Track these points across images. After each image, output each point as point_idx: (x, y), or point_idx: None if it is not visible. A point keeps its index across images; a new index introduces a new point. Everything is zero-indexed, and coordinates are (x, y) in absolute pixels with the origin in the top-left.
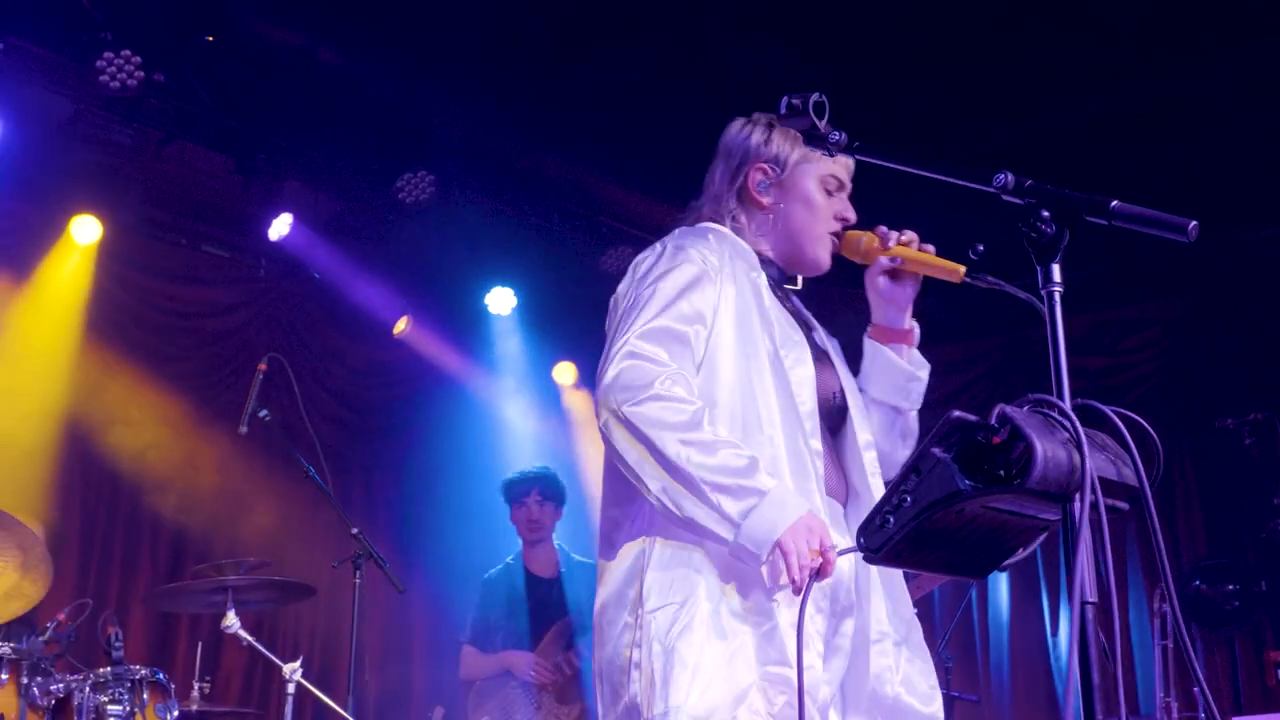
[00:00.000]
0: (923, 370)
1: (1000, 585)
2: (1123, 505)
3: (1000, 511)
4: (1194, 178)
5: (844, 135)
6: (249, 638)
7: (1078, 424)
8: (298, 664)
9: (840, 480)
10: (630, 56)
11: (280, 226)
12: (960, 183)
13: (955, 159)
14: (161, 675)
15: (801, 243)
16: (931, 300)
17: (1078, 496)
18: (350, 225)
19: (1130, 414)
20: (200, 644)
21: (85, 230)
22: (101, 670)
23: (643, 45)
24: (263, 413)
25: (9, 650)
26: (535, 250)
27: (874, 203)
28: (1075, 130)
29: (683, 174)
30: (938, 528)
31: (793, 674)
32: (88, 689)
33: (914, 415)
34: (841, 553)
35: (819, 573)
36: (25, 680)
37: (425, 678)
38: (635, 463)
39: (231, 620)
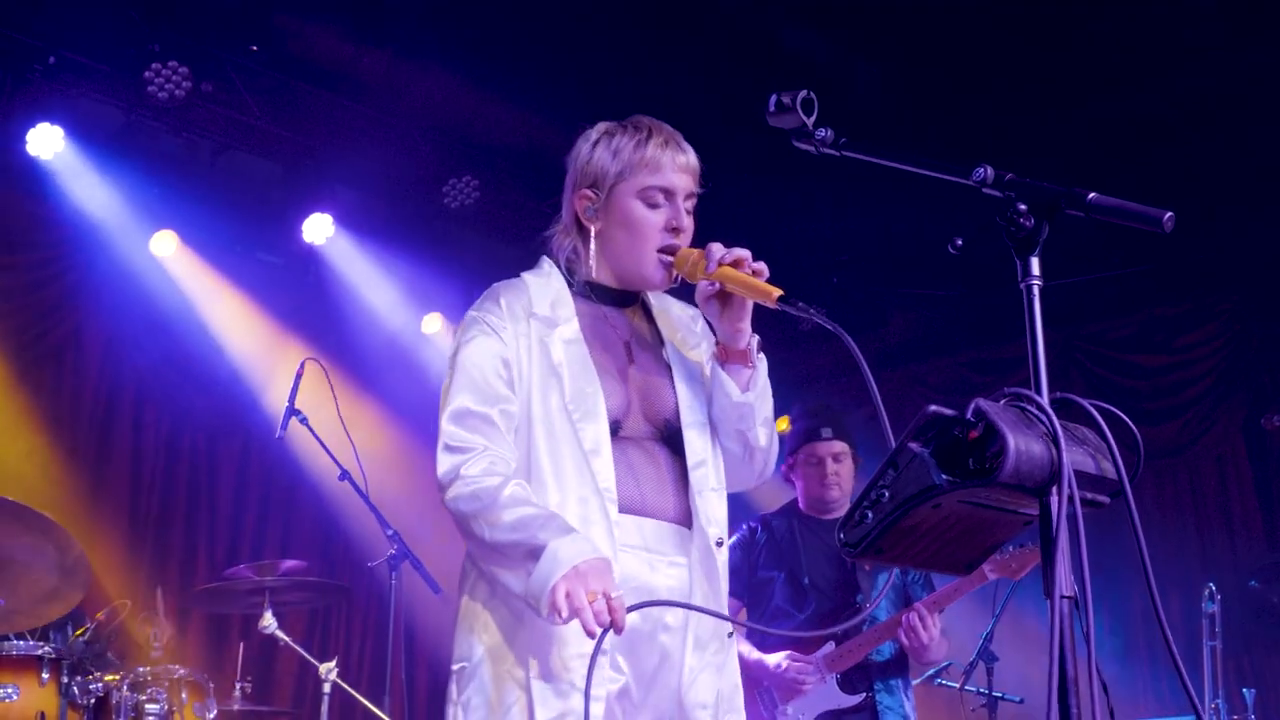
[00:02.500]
0: (749, 391)
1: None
2: (1103, 499)
3: (979, 506)
4: (1256, 167)
5: (830, 132)
6: (286, 638)
7: (1054, 417)
8: (333, 664)
9: (683, 499)
10: (683, 55)
11: (318, 229)
12: (940, 176)
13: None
14: (199, 675)
15: (627, 265)
16: (991, 304)
17: (1054, 490)
18: (397, 230)
19: (1109, 407)
20: (243, 644)
21: (162, 245)
22: (140, 670)
23: (698, 45)
24: (300, 415)
25: (49, 650)
26: None
27: None
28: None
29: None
30: (916, 522)
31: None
32: (126, 688)
33: (757, 434)
34: (634, 607)
35: (612, 625)
36: (65, 680)
37: None
38: (465, 539)
39: (269, 621)
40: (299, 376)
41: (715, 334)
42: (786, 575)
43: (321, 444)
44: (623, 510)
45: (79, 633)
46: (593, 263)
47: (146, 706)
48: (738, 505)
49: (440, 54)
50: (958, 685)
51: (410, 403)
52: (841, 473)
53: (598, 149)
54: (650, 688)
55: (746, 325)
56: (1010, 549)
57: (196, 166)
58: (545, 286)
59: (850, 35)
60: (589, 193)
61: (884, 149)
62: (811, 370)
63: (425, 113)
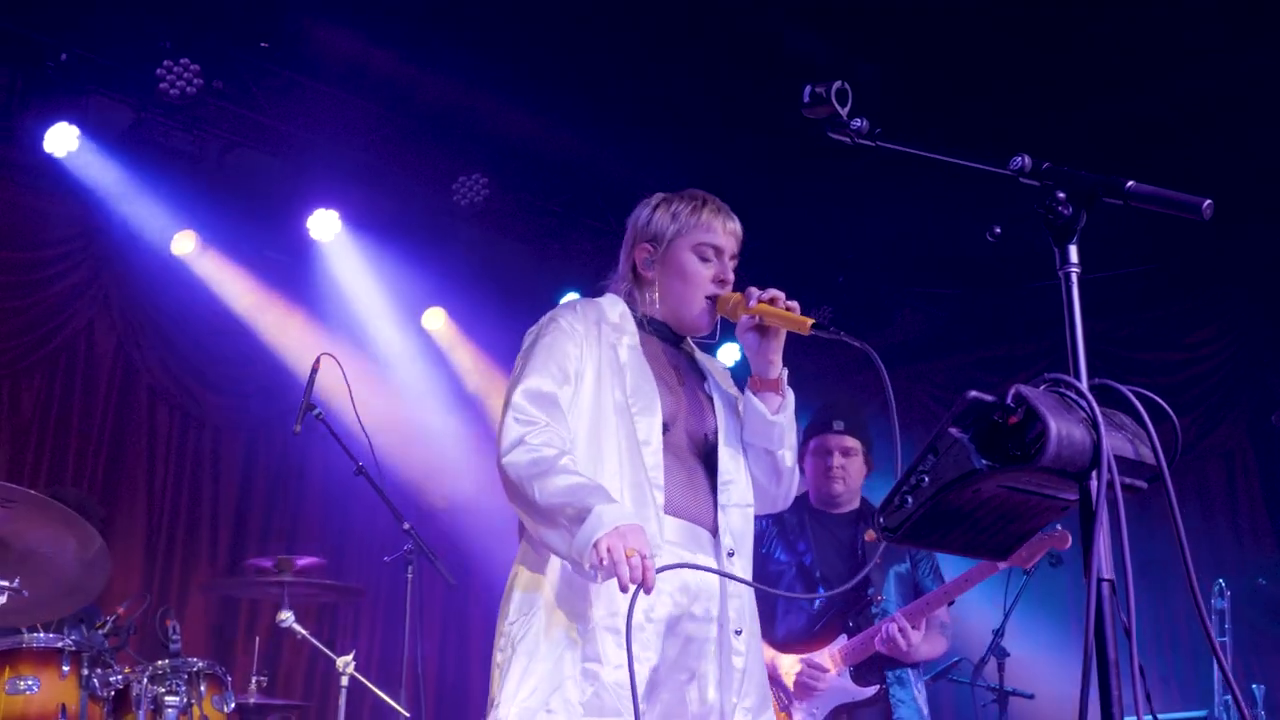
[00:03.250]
0: (780, 414)
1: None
2: (1141, 484)
3: (1018, 491)
4: (1256, 169)
5: (865, 123)
6: (303, 631)
7: (1093, 402)
8: (350, 657)
9: (710, 509)
10: (690, 57)
11: (324, 225)
12: (978, 166)
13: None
14: (218, 668)
15: (680, 310)
16: (1000, 301)
17: (1094, 475)
18: (406, 227)
19: (1148, 394)
20: (258, 639)
21: (183, 244)
22: (159, 662)
23: (703, 46)
24: (316, 410)
25: (70, 643)
26: (588, 253)
27: None
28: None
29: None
30: (955, 507)
31: (603, 669)
32: (146, 680)
33: (784, 455)
34: (665, 568)
35: (643, 583)
36: (86, 672)
37: (483, 673)
38: (512, 501)
39: (286, 615)
40: (314, 372)
41: (750, 367)
42: (797, 567)
43: (337, 439)
44: (667, 510)
45: (99, 626)
46: (650, 304)
47: (166, 699)
48: None
49: (449, 53)
50: (969, 681)
51: (420, 398)
52: (849, 468)
53: (658, 211)
54: (671, 671)
55: (778, 356)
56: None
57: (205, 163)
58: (614, 305)
59: (850, 37)
60: (648, 246)
61: (919, 140)
62: (821, 368)
63: (435, 111)
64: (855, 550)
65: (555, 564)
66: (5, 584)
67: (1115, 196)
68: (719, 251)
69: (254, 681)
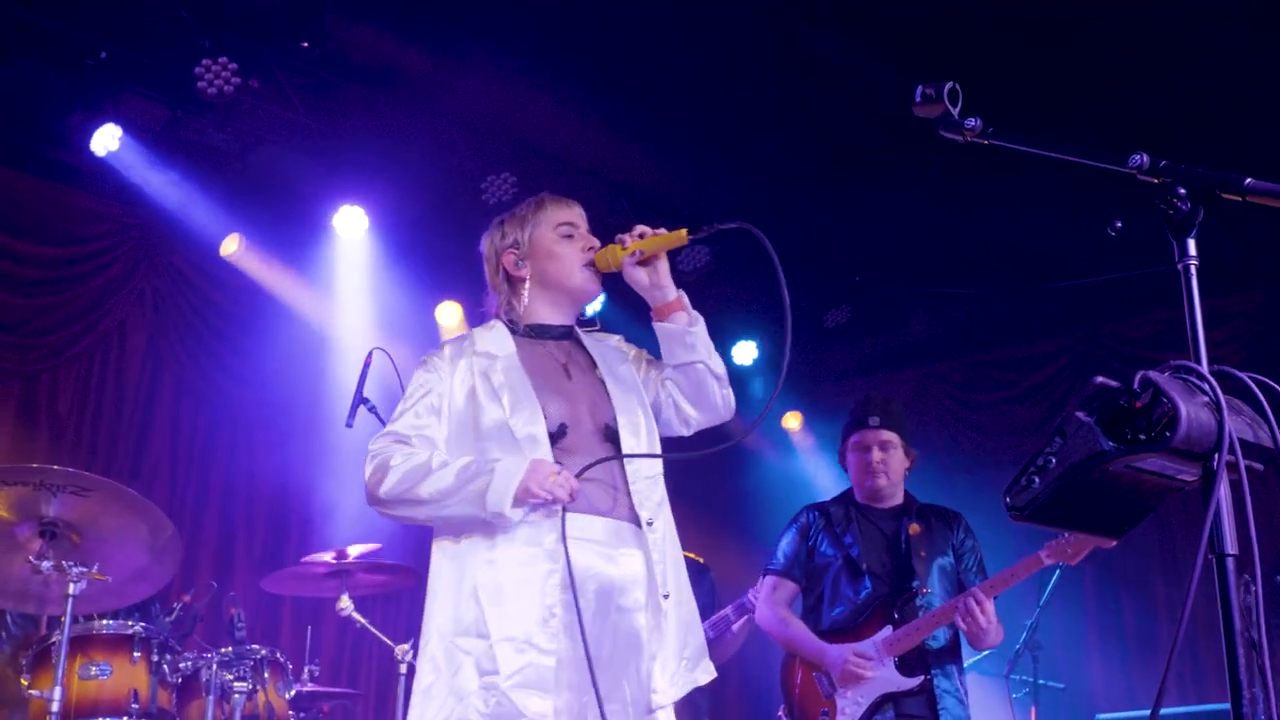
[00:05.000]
0: (695, 324)
1: (1081, 572)
2: (1258, 466)
3: (1141, 472)
4: (1256, 169)
5: (979, 121)
6: (363, 620)
7: (1216, 387)
8: (409, 645)
9: (625, 495)
10: (712, 62)
11: (350, 222)
12: (1096, 164)
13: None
14: (281, 655)
15: (563, 283)
16: (1016, 301)
17: (1216, 456)
18: (434, 225)
19: (1266, 380)
20: (310, 627)
21: (229, 246)
22: (224, 650)
23: (724, 50)
24: (369, 403)
25: (141, 630)
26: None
27: None
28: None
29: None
30: (1080, 488)
31: (500, 680)
32: (215, 667)
33: (709, 364)
34: (585, 468)
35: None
36: (156, 658)
37: None
38: (403, 515)
39: (346, 603)
40: (367, 365)
41: (649, 302)
42: (844, 560)
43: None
44: (573, 510)
45: (171, 612)
46: (528, 302)
47: (235, 685)
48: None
49: (482, 52)
50: (1003, 674)
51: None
52: (889, 461)
53: (505, 224)
54: (609, 665)
55: (668, 279)
56: (1066, 534)
57: (236, 161)
58: (487, 331)
59: (866, 38)
60: (512, 250)
61: (1034, 138)
62: (838, 369)
63: (466, 110)
64: (900, 544)
65: (450, 580)
66: (84, 570)
67: (1233, 193)
68: (575, 225)
69: (306, 671)
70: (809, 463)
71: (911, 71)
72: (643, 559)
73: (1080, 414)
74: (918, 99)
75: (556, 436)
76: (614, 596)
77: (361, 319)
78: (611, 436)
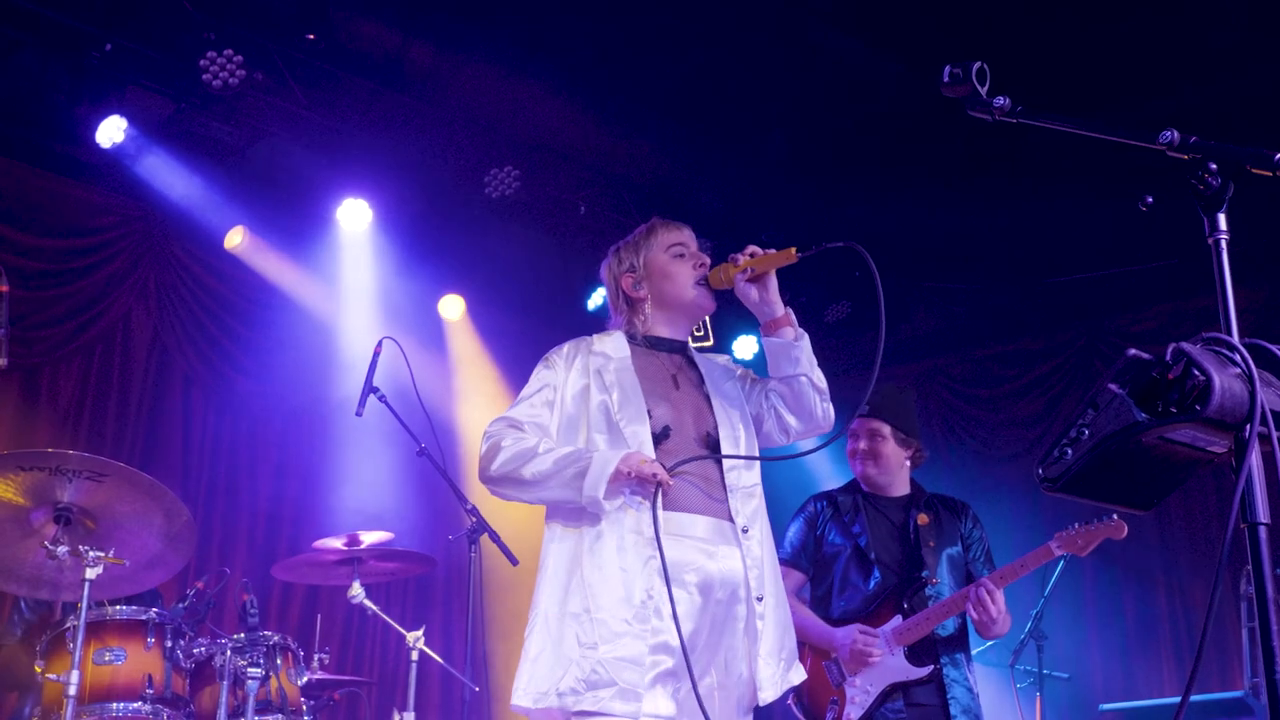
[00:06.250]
0: (800, 340)
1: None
2: None
3: (1172, 443)
4: None
5: (1008, 100)
6: (374, 607)
7: (1249, 358)
8: (420, 633)
9: (723, 497)
10: (717, 56)
11: (353, 214)
12: (1127, 141)
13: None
14: (292, 642)
15: (679, 300)
16: (1017, 296)
17: (1248, 426)
18: (436, 218)
19: None
20: (319, 615)
21: (233, 239)
22: (237, 636)
23: (729, 44)
24: (379, 392)
25: (154, 615)
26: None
27: None
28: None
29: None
30: (1113, 459)
31: (599, 649)
32: (229, 653)
33: (811, 377)
34: (678, 464)
35: (664, 481)
36: (170, 644)
37: None
38: (510, 495)
39: (357, 590)
40: (376, 355)
41: (759, 318)
42: (853, 549)
43: (400, 421)
44: (677, 509)
45: (184, 601)
46: (648, 320)
47: (249, 671)
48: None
49: (486, 46)
50: (1008, 664)
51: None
52: (877, 450)
53: (621, 251)
54: (702, 654)
55: (776, 295)
56: (1076, 525)
57: (240, 154)
58: (607, 337)
59: (878, 35)
60: (629, 273)
61: (1063, 116)
62: (843, 362)
63: (470, 104)
64: (909, 534)
65: (561, 561)
66: (101, 554)
67: (1264, 167)
68: (686, 245)
69: (316, 659)
70: (809, 457)
71: (914, 67)
72: (740, 560)
73: (1113, 386)
74: (945, 79)
75: (660, 438)
76: (714, 590)
77: (365, 311)
78: (712, 445)
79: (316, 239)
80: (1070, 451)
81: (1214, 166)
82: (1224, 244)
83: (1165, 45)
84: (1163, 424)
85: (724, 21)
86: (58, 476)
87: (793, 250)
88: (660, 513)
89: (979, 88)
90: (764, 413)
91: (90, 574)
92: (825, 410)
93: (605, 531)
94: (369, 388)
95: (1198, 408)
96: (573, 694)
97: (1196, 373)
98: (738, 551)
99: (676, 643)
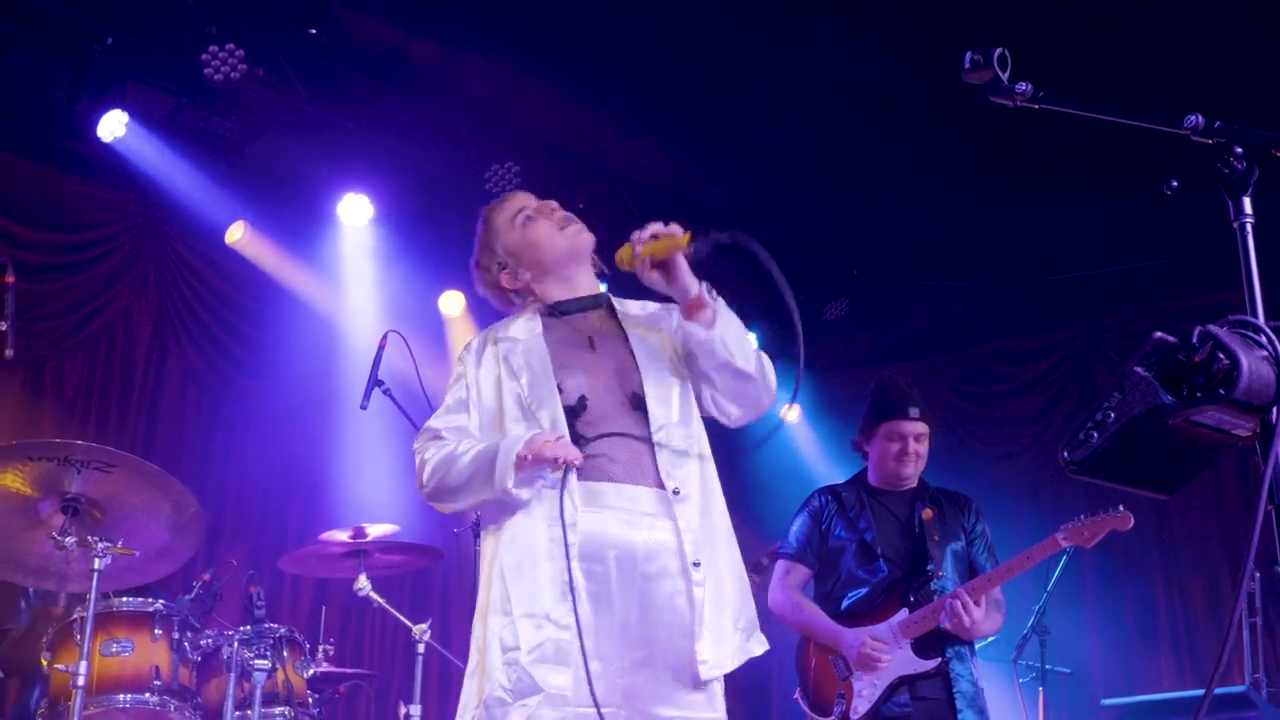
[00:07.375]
0: (714, 328)
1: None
2: None
3: (1197, 426)
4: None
5: (1029, 86)
6: (380, 600)
7: (1275, 340)
8: (426, 625)
9: (650, 461)
10: (714, 53)
11: (354, 210)
12: (1151, 126)
13: None
14: (299, 634)
15: (558, 257)
16: (1015, 295)
17: (1275, 409)
18: (436, 214)
19: None
20: (325, 608)
21: (234, 234)
22: (244, 628)
23: (726, 41)
24: (384, 385)
25: (161, 607)
26: (610, 244)
27: None
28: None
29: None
30: (1138, 442)
31: (520, 655)
32: (236, 644)
33: (737, 365)
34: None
35: (568, 456)
36: (176, 635)
37: None
38: (445, 504)
39: (364, 583)
40: (381, 348)
41: (676, 300)
42: (858, 543)
43: (405, 414)
44: (598, 478)
45: (190, 592)
46: (545, 293)
47: (255, 663)
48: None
49: (487, 42)
50: (1010, 659)
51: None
52: (921, 452)
53: (480, 264)
54: (639, 627)
55: (686, 279)
56: (1082, 517)
57: (241, 149)
58: (515, 320)
59: (879, 34)
60: (503, 271)
61: (1086, 101)
62: (836, 362)
63: (471, 99)
64: (913, 528)
65: (485, 560)
66: (110, 544)
67: None
68: (525, 206)
69: (320, 650)
70: (807, 455)
71: (914, 67)
72: (671, 527)
73: (1139, 369)
74: (966, 65)
75: (576, 410)
76: (638, 563)
77: (366, 306)
78: (639, 405)
79: (317, 234)
80: (1096, 434)
81: (1239, 150)
82: (1249, 228)
83: (1165, 45)
84: (1189, 407)
85: (724, 21)
86: (66, 467)
87: (685, 238)
88: (576, 489)
89: (1000, 73)
90: (701, 393)
91: (98, 564)
92: (760, 392)
93: (520, 522)
94: (374, 381)
95: (1224, 391)
96: (500, 705)
97: (1222, 355)
98: (668, 522)
99: (613, 627)
